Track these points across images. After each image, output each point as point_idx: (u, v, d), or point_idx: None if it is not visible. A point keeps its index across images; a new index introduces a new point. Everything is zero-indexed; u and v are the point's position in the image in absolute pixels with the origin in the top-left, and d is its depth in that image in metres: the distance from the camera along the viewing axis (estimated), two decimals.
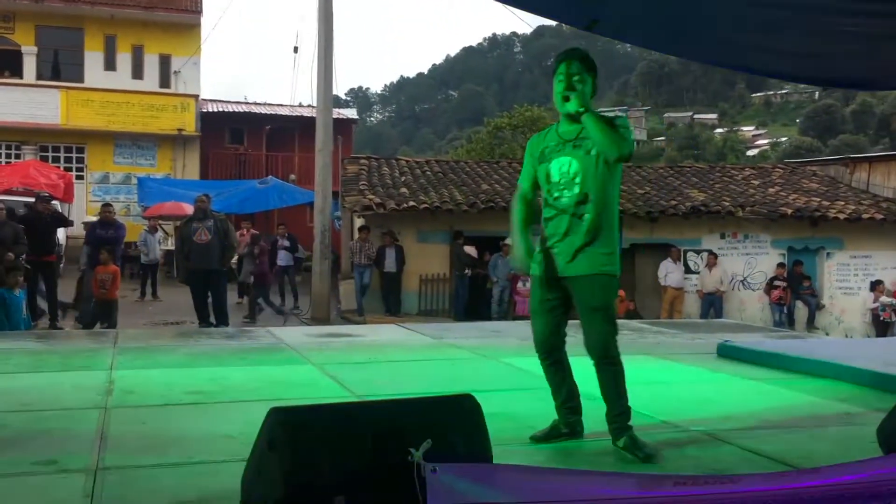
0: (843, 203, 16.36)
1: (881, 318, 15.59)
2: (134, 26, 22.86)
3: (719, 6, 5.13)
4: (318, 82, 15.30)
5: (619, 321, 10.72)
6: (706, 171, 19.07)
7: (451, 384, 5.03)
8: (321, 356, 6.24)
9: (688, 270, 16.10)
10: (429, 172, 17.99)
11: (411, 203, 15.48)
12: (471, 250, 15.39)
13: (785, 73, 7.62)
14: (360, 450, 2.40)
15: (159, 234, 16.38)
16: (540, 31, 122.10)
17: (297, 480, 2.30)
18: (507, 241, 15.92)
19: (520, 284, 15.61)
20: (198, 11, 23.36)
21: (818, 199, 16.60)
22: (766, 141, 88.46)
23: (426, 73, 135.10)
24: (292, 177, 24.17)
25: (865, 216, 15.80)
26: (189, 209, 19.47)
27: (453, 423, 2.58)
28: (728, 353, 6.25)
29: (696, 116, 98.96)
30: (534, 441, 3.72)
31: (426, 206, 15.44)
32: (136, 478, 3.17)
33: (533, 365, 5.82)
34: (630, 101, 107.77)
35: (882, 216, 15.87)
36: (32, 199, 12.73)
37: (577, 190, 3.49)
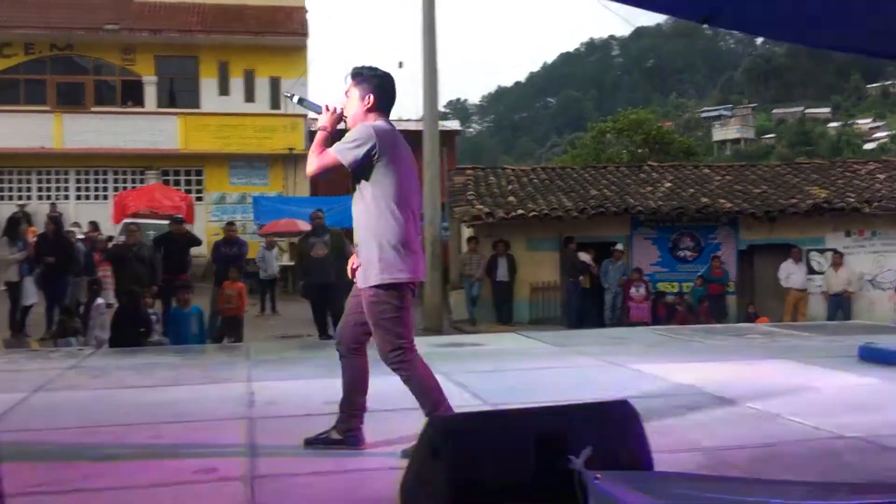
0: None
1: None
2: (245, 52, 23.74)
3: None
4: (423, 95, 15.51)
5: (748, 325, 10.28)
6: (826, 167, 18.26)
7: (583, 391, 4.98)
8: (447, 365, 6.27)
9: (811, 271, 15.44)
10: (535, 180, 17.91)
11: (520, 211, 15.45)
12: (586, 257, 15.17)
13: None
14: (521, 457, 2.39)
15: (276, 250, 16.90)
16: (639, 32, 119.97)
17: (462, 487, 2.31)
18: (618, 246, 15.71)
19: (633, 290, 15.33)
20: (304, 34, 24.06)
21: None
22: (884, 133, 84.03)
23: (524, 81, 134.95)
24: None
25: None
26: (302, 225, 20.05)
27: (612, 430, 2.55)
28: (871, 355, 5.95)
29: (807, 111, 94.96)
30: (306, 443, 3.82)
31: (535, 213, 15.37)
32: (292, 485, 3.27)
33: (663, 371, 5.71)
34: (736, 99, 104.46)
35: None
36: (164, 221, 13.35)
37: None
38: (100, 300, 9.54)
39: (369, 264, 3.59)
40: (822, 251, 15.58)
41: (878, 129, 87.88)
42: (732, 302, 15.51)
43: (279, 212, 20.21)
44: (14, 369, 6.50)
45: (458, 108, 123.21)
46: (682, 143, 28.61)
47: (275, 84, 24.01)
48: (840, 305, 14.95)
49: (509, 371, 6.00)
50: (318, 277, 10.82)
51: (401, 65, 33.73)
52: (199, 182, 23.65)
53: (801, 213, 15.24)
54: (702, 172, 18.10)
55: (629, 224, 15.78)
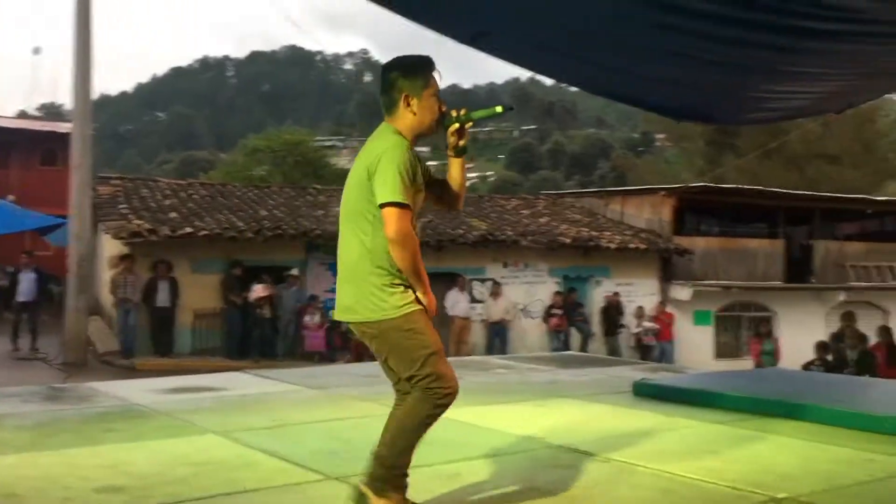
0: (610, 233, 17.39)
1: (643, 342, 16.72)
2: None
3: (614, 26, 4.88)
4: (75, 89, 13.26)
5: (481, 357, 10.09)
6: (478, 200, 19.38)
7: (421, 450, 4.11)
8: (209, 420, 4.97)
9: (472, 300, 16.10)
10: (196, 196, 16.33)
11: (188, 229, 13.86)
12: (264, 291, 14.08)
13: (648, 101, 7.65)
14: None
15: None
16: (254, 56, 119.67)
17: None
18: (294, 271, 14.86)
19: (307, 318, 14.63)
20: None
21: (587, 230, 17.49)
22: (475, 174, 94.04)
23: (131, 92, 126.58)
24: (10, 197, 20.91)
25: (631, 246, 16.91)
26: None
27: None
28: (648, 392, 5.94)
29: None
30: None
31: (206, 232, 13.90)
32: None
33: (471, 415, 5.03)
34: (347, 132, 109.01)
35: (645, 246, 17.08)
36: None
37: None
38: None
39: None
40: (482, 280, 16.36)
41: (469, 170, 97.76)
42: None
43: None
44: None
45: (53, 112, 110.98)
46: (334, 168, 28.53)
47: None
48: (499, 333, 15.79)
49: (300, 426, 4.89)
50: None
51: (37, 51, 29.19)
52: None
53: (469, 243, 15.84)
54: None
55: (304, 248, 15.05)
